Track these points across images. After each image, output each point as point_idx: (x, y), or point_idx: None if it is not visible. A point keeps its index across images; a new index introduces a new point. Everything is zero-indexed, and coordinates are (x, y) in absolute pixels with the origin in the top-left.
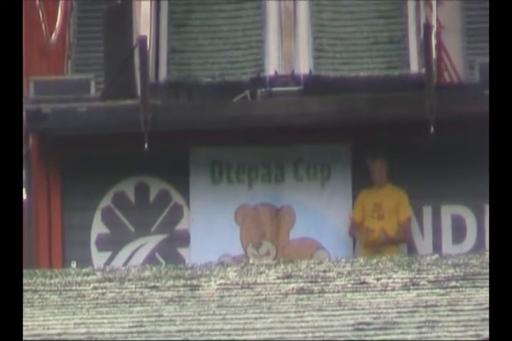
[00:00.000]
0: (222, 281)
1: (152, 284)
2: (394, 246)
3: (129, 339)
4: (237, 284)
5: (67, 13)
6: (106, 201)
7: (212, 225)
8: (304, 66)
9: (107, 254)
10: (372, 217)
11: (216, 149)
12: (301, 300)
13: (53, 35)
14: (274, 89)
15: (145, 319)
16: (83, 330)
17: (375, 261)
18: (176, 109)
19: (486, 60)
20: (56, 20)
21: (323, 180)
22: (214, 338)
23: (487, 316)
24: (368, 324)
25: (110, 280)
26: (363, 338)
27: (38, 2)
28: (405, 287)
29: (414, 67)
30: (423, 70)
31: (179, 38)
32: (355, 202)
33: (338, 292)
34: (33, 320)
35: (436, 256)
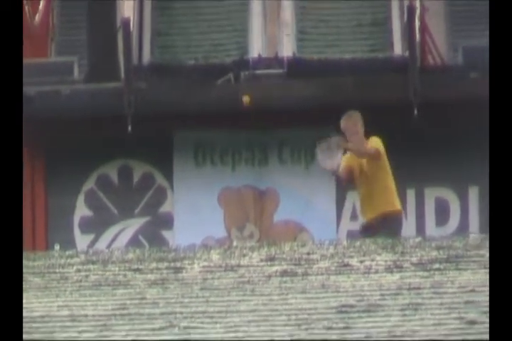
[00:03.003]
0: (205, 264)
1: (135, 267)
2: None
3: (113, 321)
4: (221, 266)
5: None
6: (89, 183)
7: (196, 208)
8: (287, 49)
9: (91, 237)
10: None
11: (200, 132)
12: (285, 282)
13: (37, 17)
14: (258, 71)
15: (128, 301)
16: (66, 313)
17: (358, 243)
18: (159, 92)
19: (469, 42)
20: (39, 2)
21: (307, 163)
22: (197, 320)
23: (470, 299)
24: (352, 306)
25: (93, 263)
26: (346, 320)
27: None
28: (389, 269)
29: (398, 49)
30: (407, 53)
31: (163, 21)
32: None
33: (322, 274)
34: None
35: (420, 238)
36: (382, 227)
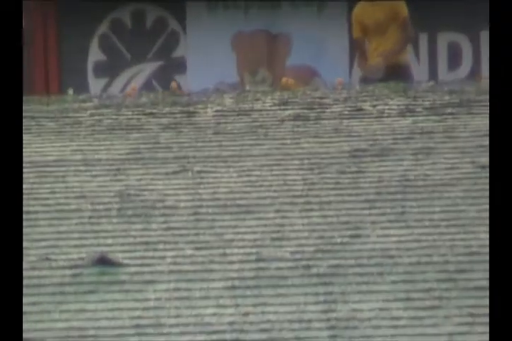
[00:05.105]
0: (218, 108)
1: (149, 111)
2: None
3: (126, 165)
4: (234, 111)
5: None
6: (103, 28)
7: (209, 52)
8: None
9: (104, 81)
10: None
11: None
12: (298, 126)
13: None
14: None
15: (142, 145)
16: (80, 157)
17: (371, 88)
18: None
19: None
20: None
21: (319, 6)
22: (210, 164)
23: (483, 143)
24: (364, 150)
25: (107, 107)
26: (359, 164)
27: None
28: (401, 113)
29: None
30: None
31: None
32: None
33: (335, 118)
34: (30, 147)
35: (432, 82)
36: (391, 75)
